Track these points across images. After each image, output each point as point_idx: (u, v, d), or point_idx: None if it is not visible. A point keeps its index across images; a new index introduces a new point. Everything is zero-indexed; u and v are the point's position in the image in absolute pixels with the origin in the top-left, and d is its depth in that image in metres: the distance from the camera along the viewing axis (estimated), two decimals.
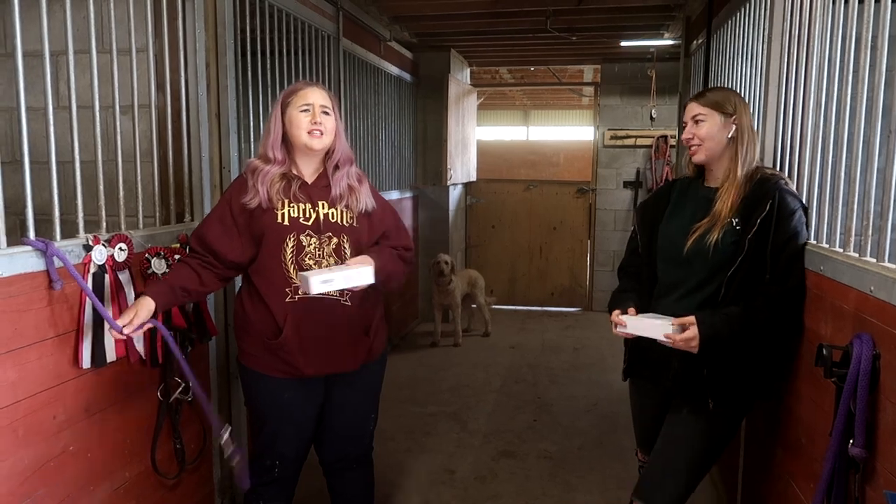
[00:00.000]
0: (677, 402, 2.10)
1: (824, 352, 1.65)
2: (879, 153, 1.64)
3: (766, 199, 1.93)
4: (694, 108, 2.08)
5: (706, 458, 2.07)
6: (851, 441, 1.57)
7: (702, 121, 2.05)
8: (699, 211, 2.07)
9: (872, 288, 1.54)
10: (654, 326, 1.97)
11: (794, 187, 2.09)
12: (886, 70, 1.61)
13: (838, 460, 1.61)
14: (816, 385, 1.82)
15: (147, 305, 1.92)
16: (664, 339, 1.94)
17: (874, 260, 1.61)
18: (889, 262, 1.55)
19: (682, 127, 2.13)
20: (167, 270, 2.20)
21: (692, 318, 1.90)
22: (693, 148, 2.08)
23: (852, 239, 1.76)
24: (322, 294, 1.93)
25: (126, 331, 1.86)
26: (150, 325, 1.96)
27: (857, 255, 1.71)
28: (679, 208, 2.16)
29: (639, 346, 2.18)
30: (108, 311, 1.92)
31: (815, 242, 1.99)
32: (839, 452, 1.60)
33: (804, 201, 2.07)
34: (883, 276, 1.50)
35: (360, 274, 1.95)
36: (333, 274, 1.91)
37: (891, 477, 1.46)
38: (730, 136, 2.04)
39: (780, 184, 1.98)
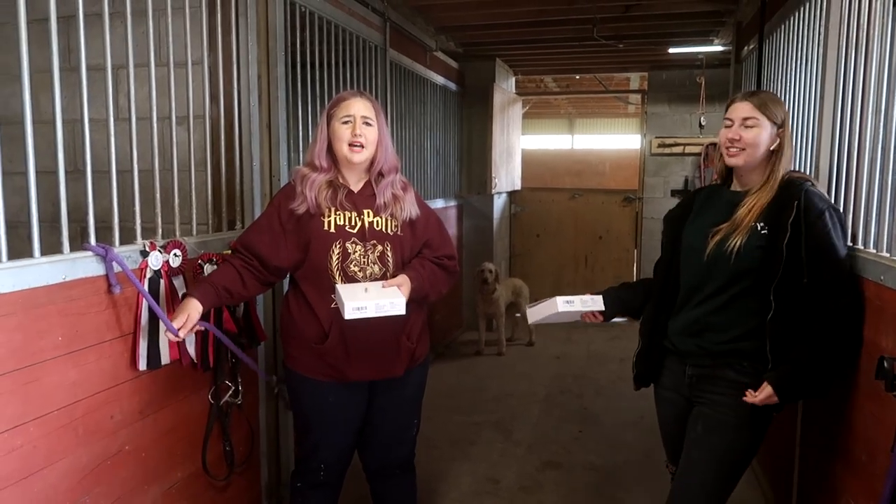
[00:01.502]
0: (694, 416, 2.04)
1: (886, 364, 1.59)
2: None
3: (793, 200, 1.87)
4: (745, 109, 1.95)
5: (727, 473, 1.99)
6: None
7: (752, 126, 1.94)
8: (720, 215, 2.00)
9: None
10: (552, 303, 2.19)
11: (822, 190, 2.03)
12: None
13: None
14: (877, 399, 1.76)
15: (196, 307, 1.96)
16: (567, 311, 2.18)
17: None
18: None
19: (725, 126, 2.01)
20: None
21: (765, 385, 1.87)
22: (733, 150, 1.96)
23: None
24: (355, 319, 1.95)
25: (181, 333, 1.91)
26: (200, 328, 2.00)
27: None
28: (701, 214, 2.09)
29: (650, 354, 2.16)
30: (165, 315, 1.97)
31: (874, 251, 1.92)
32: None
33: (864, 207, 2.01)
34: None
35: (392, 305, 1.97)
36: (367, 302, 1.94)
37: None
38: (773, 147, 1.96)
39: (805, 185, 1.91)
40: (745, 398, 1.87)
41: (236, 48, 2.60)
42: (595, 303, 2.25)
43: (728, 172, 2.08)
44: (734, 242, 1.91)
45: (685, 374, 2.05)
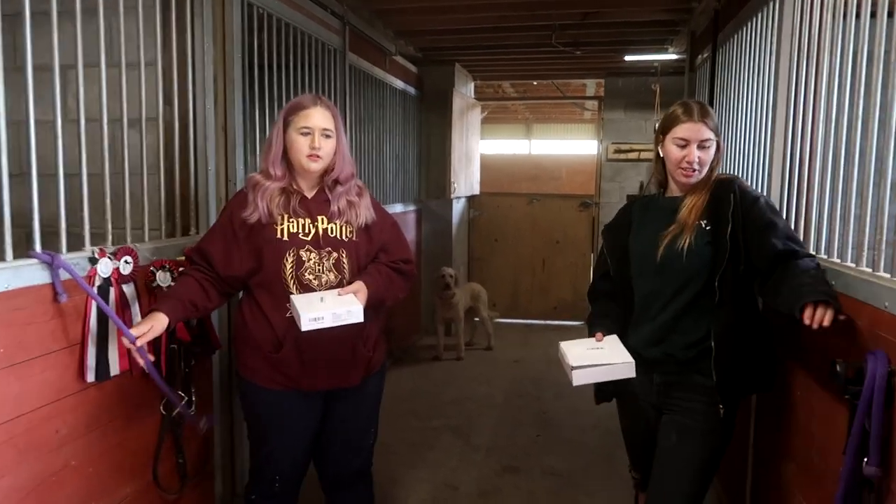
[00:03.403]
0: (665, 424, 2.06)
1: (838, 368, 1.63)
2: (893, 167, 1.63)
3: (728, 194, 1.96)
4: (703, 131, 1.97)
5: (702, 478, 2.03)
6: (866, 460, 1.55)
7: (709, 147, 1.99)
8: (663, 221, 2.05)
9: (887, 304, 1.53)
10: (615, 369, 1.97)
11: (772, 199, 2.15)
12: None
13: (852, 479, 1.58)
14: (830, 402, 1.80)
15: (161, 320, 1.91)
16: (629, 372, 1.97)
17: (888, 275, 1.59)
18: None
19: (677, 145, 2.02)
20: (172, 284, 2.19)
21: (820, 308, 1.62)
22: (691, 171, 1.99)
23: (864, 254, 1.75)
24: (312, 330, 1.93)
25: (139, 342, 1.85)
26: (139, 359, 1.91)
27: (870, 270, 1.69)
28: (643, 223, 2.13)
29: None
30: (120, 324, 1.90)
31: (825, 257, 1.97)
32: (853, 471, 1.57)
33: (815, 214, 2.07)
34: None
35: (349, 314, 1.96)
36: (323, 312, 1.93)
37: None
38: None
39: (736, 181, 2.03)
40: (812, 325, 1.60)
41: (191, 49, 2.53)
42: (613, 343, 2.07)
43: (663, 181, 2.14)
44: (683, 241, 1.97)
45: (652, 383, 2.07)
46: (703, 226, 1.97)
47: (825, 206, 2.02)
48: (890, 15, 1.62)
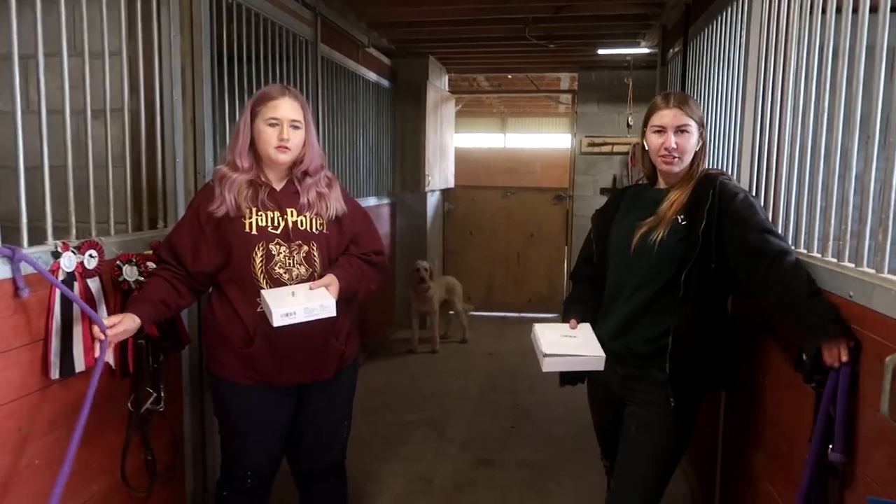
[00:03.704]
0: (627, 415, 2.08)
1: (804, 358, 1.65)
2: (857, 159, 1.65)
3: (708, 190, 1.94)
4: (679, 117, 1.98)
5: (661, 468, 2.04)
6: (831, 446, 1.57)
7: (687, 132, 1.98)
8: (645, 212, 2.05)
9: (851, 293, 1.56)
10: (585, 361, 1.99)
11: (735, 181, 2.10)
12: (864, 79, 1.62)
13: (818, 466, 1.61)
14: (796, 390, 1.83)
15: (133, 318, 1.88)
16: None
17: (853, 265, 1.62)
18: (867, 267, 1.56)
19: (654, 131, 2.03)
20: (139, 278, 2.15)
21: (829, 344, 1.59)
22: (670, 158, 1.99)
23: (830, 244, 1.78)
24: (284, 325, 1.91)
25: (111, 332, 1.81)
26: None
27: (835, 260, 1.72)
28: (628, 213, 2.13)
29: None
30: (91, 314, 1.85)
31: (793, 247, 2.00)
32: (819, 458, 1.60)
33: (783, 207, 2.09)
34: (861, 281, 1.51)
35: (322, 308, 1.94)
36: (295, 307, 1.91)
37: (870, 482, 1.46)
38: (698, 148, 2.03)
39: (720, 177, 2.00)
40: (832, 365, 1.57)
41: (157, 39, 2.48)
42: (586, 333, 2.09)
43: (652, 173, 2.13)
44: (656, 235, 1.97)
45: (616, 374, 2.09)
46: (680, 221, 1.96)
47: (792, 199, 2.05)
48: (855, 11, 1.64)
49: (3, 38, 1.81)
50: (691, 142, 2.00)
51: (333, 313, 1.96)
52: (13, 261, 1.71)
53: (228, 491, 2.23)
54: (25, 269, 1.74)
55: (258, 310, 2.02)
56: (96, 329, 1.81)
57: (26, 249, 1.79)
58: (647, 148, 2.09)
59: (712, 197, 1.91)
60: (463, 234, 7.63)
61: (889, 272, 1.48)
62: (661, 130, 2.00)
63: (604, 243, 2.15)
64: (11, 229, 1.86)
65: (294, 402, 2.19)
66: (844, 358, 1.54)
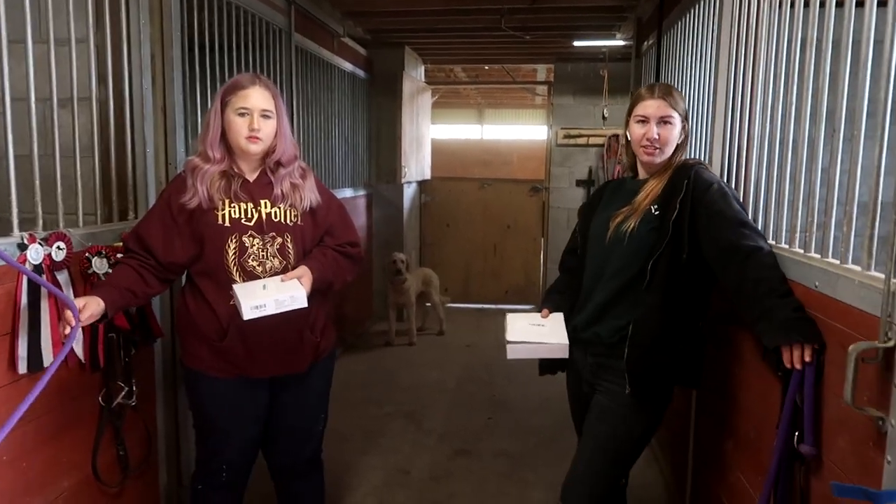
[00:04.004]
0: (592, 404, 2.09)
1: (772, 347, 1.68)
2: (823, 153, 1.68)
3: (683, 180, 1.94)
4: (662, 108, 1.98)
5: (615, 458, 2.04)
6: (797, 433, 1.61)
7: (670, 123, 1.99)
8: (622, 202, 2.07)
9: (817, 283, 1.58)
10: (548, 349, 2.04)
11: (713, 171, 2.11)
12: (830, 73, 1.65)
13: (784, 452, 1.64)
14: (765, 380, 1.86)
15: (98, 303, 1.84)
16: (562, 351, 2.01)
17: (818, 256, 1.65)
18: (832, 258, 1.59)
19: (637, 121, 2.04)
20: (109, 271, 2.12)
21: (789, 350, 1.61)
22: (651, 149, 2.00)
23: (797, 236, 1.81)
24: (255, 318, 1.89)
25: (83, 315, 1.77)
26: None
27: (802, 251, 1.75)
28: (608, 205, 2.14)
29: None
30: (65, 298, 1.82)
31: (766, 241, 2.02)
32: (786, 444, 1.63)
33: (752, 199, 2.11)
34: (827, 272, 1.54)
35: (293, 300, 1.93)
36: (265, 300, 1.89)
37: (834, 468, 1.50)
38: (680, 140, 2.04)
39: (696, 167, 1.99)
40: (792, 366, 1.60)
41: (126, 26, 2.43)
42: (555, 322, 2.11)
43: (634, 164, 2.14)
44: (629, 224, 1.98)
45: (587, 362, 2.11)
46: (653, 211, 1.96)
47: (762, 191, 2.07)
48: (822, 5, 1.66)
49: None
50: (673, 133, 2.00)
51: (304, 304, 1.95)
52: None
53: (204, 485, 2.22)
54: None
55: (231, 302, 2.00)
56: (68, 314, 1.78)
57: None
58: (629, 138, 2.09)
59: (686, 187, 1.91)
60: (440, 226, 7.63)
61: (852, 262, 1.50)
62: (644, 121, 2.01)
63: (585, 234, 2.17)
64: None
65: (269, 395, 2.17)
66: (808, 358, 1.56)
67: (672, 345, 1.95)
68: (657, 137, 1.98)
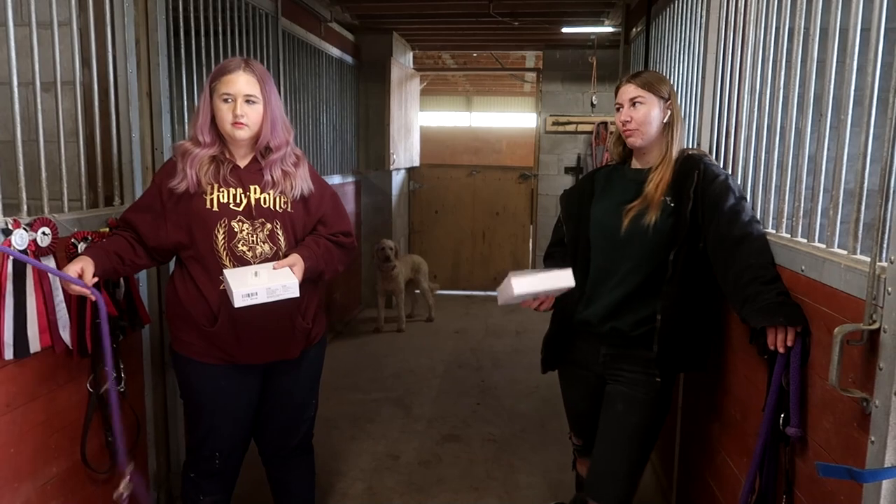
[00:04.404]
0: (610, 393, 2.10)
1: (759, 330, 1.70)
2: (810, 139, 1.69)
3: (693, 171, 1.96)
4: (631, 90, 2.02)
5: (646, 447, 2.10)
6: (783, 416, 1.63)
7: (640, 103, 2.00)
8: (628, 193, 2.06)
9: (803, 267, 1.60)
10: (551, 278, 1.90)
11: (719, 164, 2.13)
12: (818, 60, 1.66)
13: (770, 434, 1.67)
14: (751, 362, 1.89)
15: (88, 261, 1.83)
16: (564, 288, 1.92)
17: (805, 240, 1.66)
18: (819, 242, 1.61)
19: (616, 110, 2.08)
20: None
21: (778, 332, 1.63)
22: (628, 131, 2.02)
23: (784, 221, 1.82)
24: (246, 306, 1.89)
25: (86, 279, 1.79)
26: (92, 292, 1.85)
27: (788, 236, 1.77)
28: (607, 194, 2.13)
29: (561, 336, 2.20)
30: (64, 275, 1.82)
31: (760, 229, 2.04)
32: (771, 426, 1.66)
33: (740, 185, 2.13)
34: (813, 256, 1.56)
35: (285, 289, 1.92)
36: (257, 287, 1.88)
37: (819, 449, 1.52)
38: (665, 120, 2.04)
39: (704, 158, 2.03)
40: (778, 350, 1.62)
41: (110, 9, 2.40)
42: (565, 278, 1.94)
43: (626, 153, 2.15)
44: (650, 218, 1.97)
45: (599, 353, 2.11)
46: (668, 202, 1.98)
47: (749, 176, 2.09)
48: None
49: None
50: (648, 114, 2.00)
51: (296, 294, 1.94)
52: None
53: (196, 473, 2.21)
54: None
55: (221, 287, 1.99)
56: (76, 287, 1.78)
57: None
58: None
59: (697, 178, 1.94)
60: (428, 213, 7.62)
61: (839, 247, 1.52)
62: (620, 107, 2.05)
63: (581, 225, 2.15)
64: None
65: (260, 381, 2.17)
66: (790, 342, 1.58)
67: (694, 332, 2.02)
68: (630, 119, 2.02)
